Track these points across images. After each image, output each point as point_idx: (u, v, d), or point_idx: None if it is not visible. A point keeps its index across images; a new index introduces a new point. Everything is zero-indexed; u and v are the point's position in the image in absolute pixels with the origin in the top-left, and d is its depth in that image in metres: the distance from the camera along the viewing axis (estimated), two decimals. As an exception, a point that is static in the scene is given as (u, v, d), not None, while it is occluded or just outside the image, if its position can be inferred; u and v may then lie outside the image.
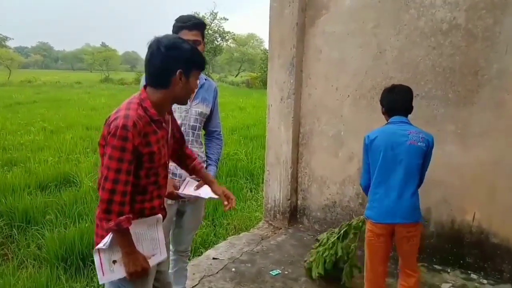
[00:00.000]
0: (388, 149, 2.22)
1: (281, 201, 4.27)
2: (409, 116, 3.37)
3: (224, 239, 3.93)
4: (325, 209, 4.05)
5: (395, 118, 2.33)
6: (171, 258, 2.48)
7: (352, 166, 3.84)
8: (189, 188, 2.13)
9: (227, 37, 41.25)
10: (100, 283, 1.65)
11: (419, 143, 2.22)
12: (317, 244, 3.13)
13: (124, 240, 1.54)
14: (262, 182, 4.63)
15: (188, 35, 2.16)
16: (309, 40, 3.94)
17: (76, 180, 5.62)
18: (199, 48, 2.17)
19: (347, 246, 2.87)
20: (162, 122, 1.62)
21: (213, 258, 3.40)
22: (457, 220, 3.29)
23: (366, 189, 2.37)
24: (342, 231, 2.94)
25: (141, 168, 1.56)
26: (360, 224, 2.83)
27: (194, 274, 3.10)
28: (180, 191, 2.10)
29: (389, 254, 2.34)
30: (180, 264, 2.54)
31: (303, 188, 4.22)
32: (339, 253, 2.86)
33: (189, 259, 2.73)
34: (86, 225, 4.04)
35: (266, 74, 4.24)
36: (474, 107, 3.12)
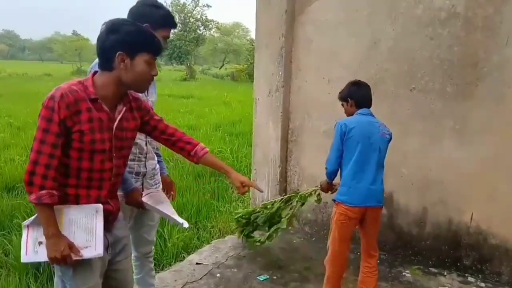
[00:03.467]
0: (366, 138, 2.51)
1: (269, 202, 4.27)
2: (406, 110, 3.43)
3: (208, 243, 3.91)
4: (316, 210, 4.07)
5: (364, 110, 2.64)
6: (134, 264, 2.44)
7: (345, 164, 3.86)
8: (151, 199, 2.11)
9: (210, 26, 41.13)
10: (22, 261, 1.65)
11: (386, 135, 2.61)
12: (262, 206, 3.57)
13: (46, 219, 1.56)
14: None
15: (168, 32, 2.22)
16: (299, 29, 3.94)
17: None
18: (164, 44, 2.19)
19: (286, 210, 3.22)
20: (101, 104, 1.63)
21: (197, 263, 3.39)
22: (455, 221, 3.35)
23: (332, 173, 2.67)
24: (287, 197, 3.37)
25: (70, 147, 1.59)
26: (308, 196, 3.10)
27: (176, 280, 3.09)
28: (143, 199, 2.08)
29: (353, 235, 2.68)
30: (146, 268, 2.51)
31: (293, 188, 4.24)
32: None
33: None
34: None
35: (253, 66, 4.24)
36: (473, 101, 3.17)
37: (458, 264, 3.37)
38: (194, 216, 4.68)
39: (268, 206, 3.53)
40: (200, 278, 3.17)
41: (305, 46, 3.94)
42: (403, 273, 3.35)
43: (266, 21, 4.00)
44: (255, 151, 4.37)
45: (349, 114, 2.69)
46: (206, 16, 39.51)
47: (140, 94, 1.85)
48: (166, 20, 2.19)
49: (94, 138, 1.61)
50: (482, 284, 3.20)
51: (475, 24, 3.10)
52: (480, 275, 3.28)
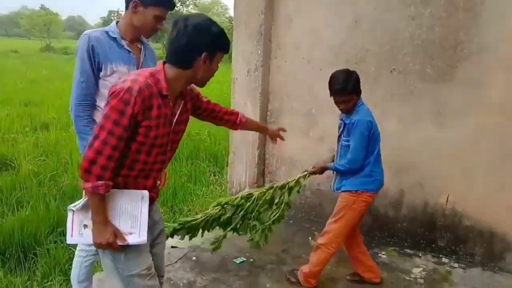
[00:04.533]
0: (378, 129, 2.65)
1: (247, 185, 4.30)
2: (386, 91, 3.47)
3: (184, 227, 3.93)
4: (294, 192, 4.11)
5: (361, 100, 2.69)
6: None
7: (324, 147, 3.90)
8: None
9: (187, 3, 40.32)
10: (67, 242, 1.72)
11: None
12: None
13: (96, 206, 1.58)
14: (227, 165, 4.64)
15: (163, 13, 2.22)
16: (279, 6, 3.92)
17: (14, 164, 5.41)
18: (160, 25, 2.25)
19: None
20: (170, 101, 1.65)
21: (172, 247, 3.40)
22: (431, 203, 3.45)
23: (358, 170, 2.65)
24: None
25: (133, 140, 1.60)
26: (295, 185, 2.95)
27: (150, 264, 3.10)
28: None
29: None
30: None
31: (271, 170, 4.27)
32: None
33: None
34: (27, 213, 3.93)
35: (231, 45, 4.20)
36: (453, 83, 3.24)
37: (433, 245, 3.49)
38: (170, 199, 4.68)
39: (249, 197, 3.06)
40: (175, 262, 3.20)
41: (285, 24, 3.92)
42: (379, 255, 3.45)
43: (245, -3, 3.96)
44: (233, 133, 4.37)
45: (352, 106, 2.63)
46: (183, -8, 38.73)
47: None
48: None
49: (158, 133, 1.63)
50: (456, 265, 3.32)
51: (457, 5, 3.14)
52: (454, 256, 3.41)
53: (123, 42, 2.27)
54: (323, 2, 3.69)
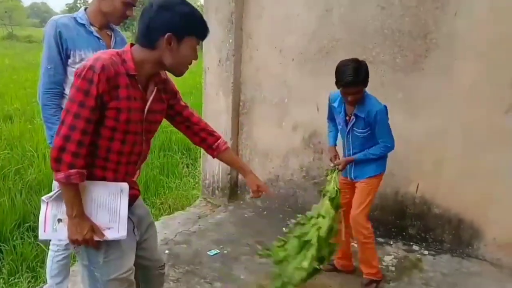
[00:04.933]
0: None
1: (220, 177, 4.31)
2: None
3: (157, 220, 3.90)
4: (267, 183, 4.14)
5: None
6: None
7: (297, 137, 3.94)
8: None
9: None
10: (39, 238, 1.65)
11: None
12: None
13: (71, 199, 1.51)
14: (200, 157, 4.62)
15: None
16: (250, -6, 3.89)
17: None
18: (129, 12, 2.21)
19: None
20: (138, 83, 1.57)
21: (143, 241, 3.37)
22: (401, 192, 3.54)
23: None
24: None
25: (103, 124, 1.52)
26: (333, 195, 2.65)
27: (121, 259, 3.07)
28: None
29: None
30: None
31: (244, 161, 4.28)
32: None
33: None
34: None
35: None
36: (422, 73, 3.31)
37: (404, 233, 3.59)
38: (142, 193, 4.61)
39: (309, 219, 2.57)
40: (147, 256, 3.17)
41: (256, 13, 3.91)
42: (351, 244, 3.51)
43: (215, -16, 3.91)
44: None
45: (360, 97, 2.62)
46: (152, -22, 38.00)
47: None
48: None
49: (130, 117, 1.54)
50: (426, 252, 3.43)
51: (426, -5, 3.20)
52: (424, 244, 3.52)
53: (92, 29, 2.23)
54: (295, -10, 3.68)
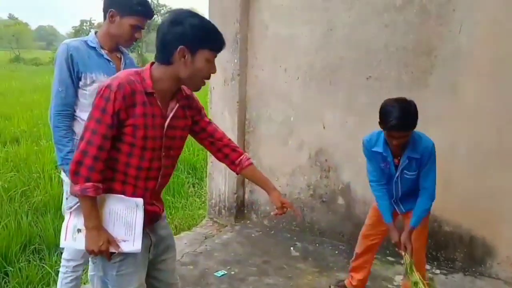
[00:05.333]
0: None
1: (226, 196, 4.31)
2: (362, 99, 3.52)
3: (162, 241, 3.90)
4: (272, 217, 4.12)
5: None
6: None
7: (303, 155, 3.95)
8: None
9: (162, 11, 40.24)
10: (60, 246, 1.74)
11: None
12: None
13: (88, 211, 1.58)
14: (206, 176, 4.64)
15: (140, 22, 2.26)
16: (254, 14, 3.97)
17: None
18: (138, 34, 2.28)
19: None
20: (157, 99, 1.62)
21: (150, 262, 3.37)
22: (411, 209, 3.51)
23: None
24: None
25: (122, 141, 1.59)
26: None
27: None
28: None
29: None
30: None
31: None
32: None
33: None
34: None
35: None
36: (427, 89, 3.32)
37: (415, 252, 3.54)
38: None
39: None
40: (154, 277, 3.16)
41: (261, 33, 3.97)
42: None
43: (219, 5, 3.99)
44: (210, 142, 4.37)
45: (408, 140, 2.40)
46: (157, 1, 38.64)
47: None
48: (134, 7, 2.20)
49: (147, 134, 1.60)
50: (437, 271, 3.39)
51: (429, 12, 3.24)
52: (435, 262, 3.47)
53: (103, 52, 2.29)
54: (298, 9, 3.75)
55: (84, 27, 39.90)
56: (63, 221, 1.71)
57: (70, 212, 1.66)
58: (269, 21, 3.91)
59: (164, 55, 1.59)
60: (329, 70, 3.67)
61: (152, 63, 1.66)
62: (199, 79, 1.64)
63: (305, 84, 3.83)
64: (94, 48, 2.27)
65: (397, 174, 2.50)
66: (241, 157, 1.94)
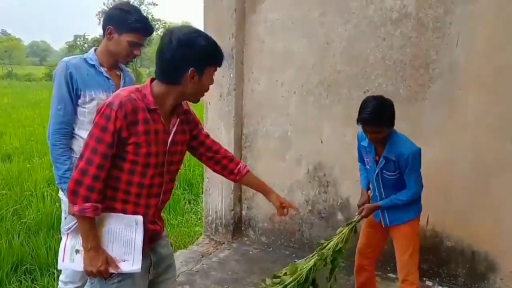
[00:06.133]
0: None
1: (223, 212, 4.28)
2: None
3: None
4: (272, 218, 4.12)
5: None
6: None
7: (301, 170, 3.94)
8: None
9: (157, 26, 40.63)
10: (58, 267, 1.72)
11: None
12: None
13: (86, 232, 1.57)
14: (202, 192, 4.62)
15: (138, 39, 2.28)
16: (250, 28, 4.00)
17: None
18: (136, 51, 2.30)
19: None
20: (160, 116, 1.63)
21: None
22: (412, 224, 3.50)
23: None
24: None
25: (124, 159, 1.58)
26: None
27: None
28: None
29: None
30: None
31: (248, 196, 4.27)
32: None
33: None
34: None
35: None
36: (425, 103, 3.35)
37: (416, 268, 3.52)
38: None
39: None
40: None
41: (257, 47, 4.00)
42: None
43: (214, 19, 4.02)
44: (207, 158, 4.36)
45: (386, 137, 2.53)
46: (152, 15, 39.02)
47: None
48: (132, 24, 2.22)
49: (149, 151, 1.60)
50: (440, 288, 3.37)
51: (426, 25, 3.28)
52: (437, 279, 3.45)
53: (102, 69, 2.31)
54: (294, 23, 3.78)
55: (78, 42, 40.13)
56: (55, 241, 1.71)
57: (68, 233, 1.65)
58: (265, 35, 3.94)
59: (172, 76, 1.60)
60: (326, 84, 3.70)
61: (152, 79, 1.67)
62: (202, 94, 1.71)
63: (302, 98, 3.85)
64: (93, 65, 2.28)
65: (376, 171, 2.62)
66: (239, 166, 2.00)
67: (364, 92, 3.51)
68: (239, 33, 3.97)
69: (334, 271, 2.63)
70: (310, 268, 2.51)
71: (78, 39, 40.65)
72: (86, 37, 40.18)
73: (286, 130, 3.98)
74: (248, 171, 2.03)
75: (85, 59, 2.29)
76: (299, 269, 2.53)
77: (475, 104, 3.18)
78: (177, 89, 1.62)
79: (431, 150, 3.35)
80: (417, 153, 2.53)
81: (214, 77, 1.72)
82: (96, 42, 33.16)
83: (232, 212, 4.24)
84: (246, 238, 4.29)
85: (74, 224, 1.63)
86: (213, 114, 4.20)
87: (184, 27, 1.65)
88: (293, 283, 2.41)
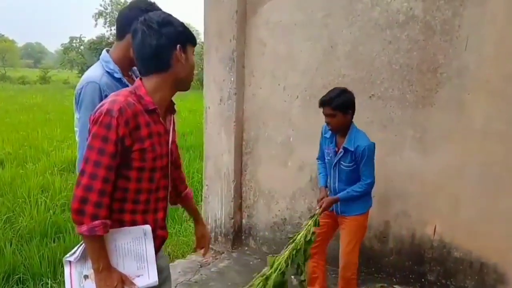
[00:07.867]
0: None
1: (223, 221, 4.28)
2: (366, 118, 3.54)
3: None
4: (274, 227, 4.12)
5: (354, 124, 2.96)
6: None
7: (303, 177, 3.94)
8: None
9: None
10: None
11: None
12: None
13: (97, 252, 1.51)
14: (201, 200, 4.62)
15: None
16: (251, 31, 4.02)
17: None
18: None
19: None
20: (159, 116, 1.60)
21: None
22: (418, 234, 3.49)
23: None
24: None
25: (130, 167, 1.54)
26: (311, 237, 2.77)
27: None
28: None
29: None
30: None
31: (249, 204, 4.26)
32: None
33: None
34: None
35: (203, 72, 4.25)
36: (433, 108, 3.34)
37: (423, 280, 3.51)
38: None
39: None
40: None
41: (258, 50, 4.01)
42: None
43: (215, 21, 4.04)
44: (206, 164, 4.36)
45: (341, 125, 2.85)
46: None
47: None
48: None
49: (155, 155, 1.58)
50: (448, 300, 3.35)
51: (434, 28, 3.28)
52: (445, 291, 3.44)
53: (125, 80, 2.17)
54: (297, 26, 3.80)
55: (74, 44, 40.18)
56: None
57: (69, 261, 1.57)
58: (267, 38, 3.96)
59: (161, 61, 1.57)
60: (329, 88, 3.68)
61: (140, 79, 1.63)
62: (192, 75, 1.68)
63: (305, 103, 3.85)
64: (119, 79, 2.14)
65: (335, 161, 2.93)
66: (187, 190, 2.05)
67: (370, 97, 3.52)
68: (240, 35, 3.99)
69: (307, 261, 2.71)
70: (287, 258, 2.54)
71: (74, 41, 40.68)
72: (82, 38, 40.27)
73: (288, 136, 3.98)
74: (192, 197, 2.08)
75: (111, 75, 2.12)
76: (277, 260, 2.56)
77: (485, 109, 3.18)
78: (169, 76, 1.59)
79: (438, 156, 3.36)
80: (372, 147, 2.84)
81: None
82: (92, 44, 33.24)
83: (232, 220, 4.24)
84: (246, 248, 4.28)
85: (78, 251, 1.56)
86: (213, 119, 4.21)
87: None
88: (275, 274, 2.43)
